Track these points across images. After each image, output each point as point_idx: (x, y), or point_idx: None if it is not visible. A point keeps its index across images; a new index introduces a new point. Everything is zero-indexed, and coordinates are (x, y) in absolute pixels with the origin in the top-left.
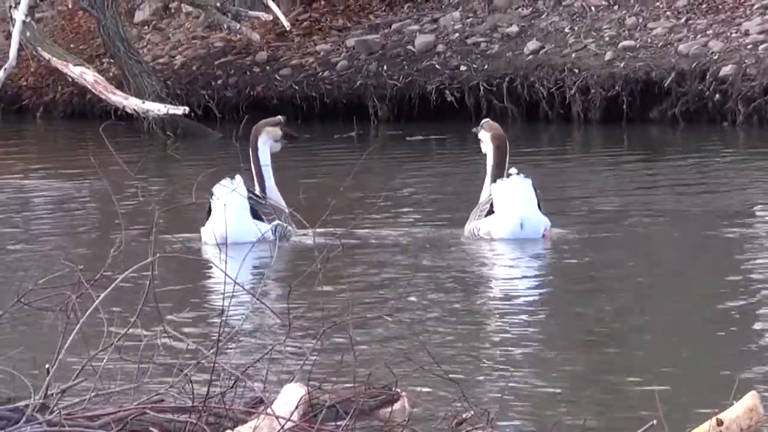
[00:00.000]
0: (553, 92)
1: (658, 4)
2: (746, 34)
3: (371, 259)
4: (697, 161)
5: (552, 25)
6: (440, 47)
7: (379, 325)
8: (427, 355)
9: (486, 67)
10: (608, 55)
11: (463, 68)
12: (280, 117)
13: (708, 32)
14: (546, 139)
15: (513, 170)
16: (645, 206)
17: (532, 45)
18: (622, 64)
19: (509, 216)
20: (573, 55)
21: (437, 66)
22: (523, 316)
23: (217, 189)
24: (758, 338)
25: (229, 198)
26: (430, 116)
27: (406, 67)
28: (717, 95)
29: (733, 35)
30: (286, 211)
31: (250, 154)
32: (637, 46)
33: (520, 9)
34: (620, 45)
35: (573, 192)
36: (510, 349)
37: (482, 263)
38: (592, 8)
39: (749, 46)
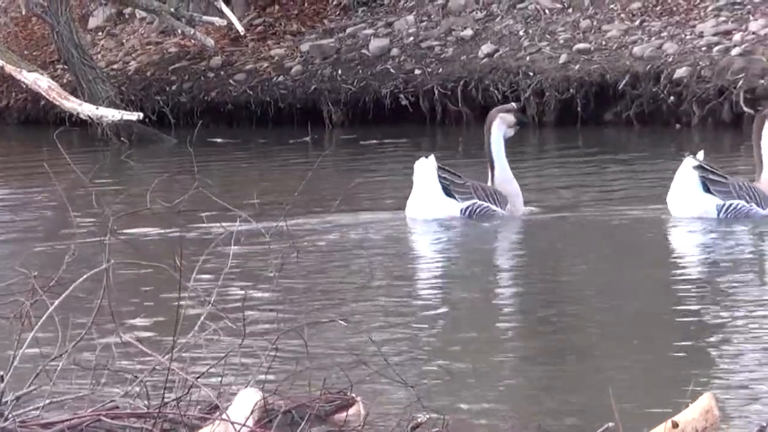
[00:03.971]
0: (508, 95)
1: (612, 6)
2: (700, 36)
3: (326, 263)
4: (651, 163)
5: (506, 29)
6: (395, 51)
7: (335, 329)
8: (382, 359)
9: (440, 70)
10: (563, 58)
11: (417, 72)
12: (513, 104)
13: (662, 34)
14: None
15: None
16: (598, 208)
17: (486, 48)
18: (576, 67)
19: None
20: (527, 58)
21: (392, 70)
22: (479, 320)
23: (415, 166)
24: (714, 340)
25: (419, 176)
26: (385, 120)
27: (360, 71)
28: (671, 97)
29: (688, 37)
30: (517, 197)
31: (484, 140)
32: (592, 48)
33: (474, 12)
34: (575, 48)
35: (529, 196)
36: (466, 352)
37: (438, 265)
38: (547, 11)
39: (703, 48)
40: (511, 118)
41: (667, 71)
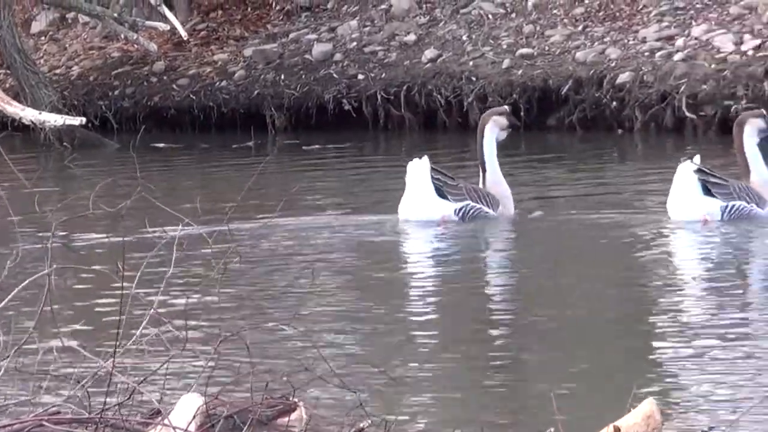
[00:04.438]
0: (451, 100)
1: (555, 11)
2: (643, 41)
3: (268, 267)
4: (594, 168)
5: (449, 34)
6: (338, 56)
7: (278, 334)
8: (326, 364)
9: (384, 75)
10: (506, 63)
11: (360, 77)
12: (506, 107)
13: (605, 39)
14: (443, 148)
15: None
16: (542, 212)
17: (429, 53)
18: (519, 72)
19: None
20: (470, 63)
21: (335, 75)
22: (423, 323)
23: (408, 167)
24: (656, 345)
25: (412, 178)
26: (328, 125)
27: (303, 76)
28: (614, 102)
29: (630, 42)
30: (508, 200)
31: (477, 142)
32: (535, 53)
33: (417, 17)
34: (518, 53)
35: None
36: (411, 357)
37: (382, 268)
38: (490, 16)
39: (646, 53)
40: (503, 120)
41: (610, 76)
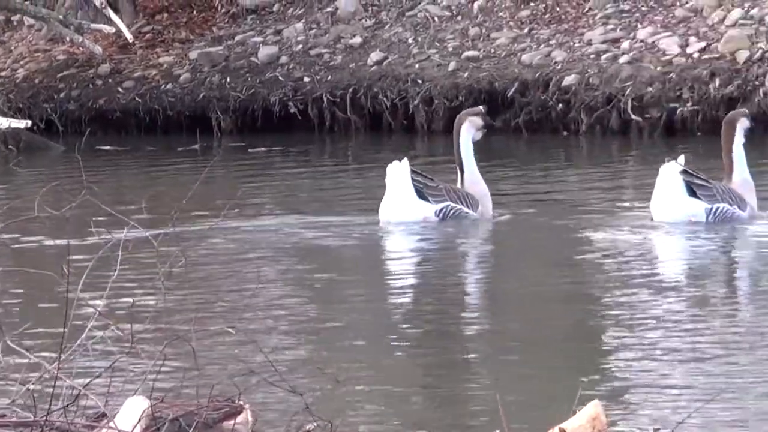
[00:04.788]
0: (397, 103)
1: (501, 14)
2: (589, 43)
3: (215, 270)
4: (540, 170)
5: (395, 36)
6: (284, 59)
7: (224, 337)
8: (272, 367)
9: (329, 78)
10: (452, 66)
11: (306, 80)
12: (480, 107)
13: (551, 42)
14: (390, 150)
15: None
16: (509, 215)
17: (375, 56)
18: (465, 75)
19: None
20: (416, 65)
21: (281, 78)
22: (373, 328)
23: (388, 169)
24: (601, 348)
25: (392, 180)
26: (274, 128)
27: (249, 79)
28: (560, 105)
29: (576, 45)
30: (486, 198)
31: (453, 142)
32: (481, 56)
33: (363, 20)
34: (463, 55)
35: None
36: (357, 360)
37: (328, 271)
38: (436, 19)
39: (592, 56)
40: (479, 121)
41: (556, 79)
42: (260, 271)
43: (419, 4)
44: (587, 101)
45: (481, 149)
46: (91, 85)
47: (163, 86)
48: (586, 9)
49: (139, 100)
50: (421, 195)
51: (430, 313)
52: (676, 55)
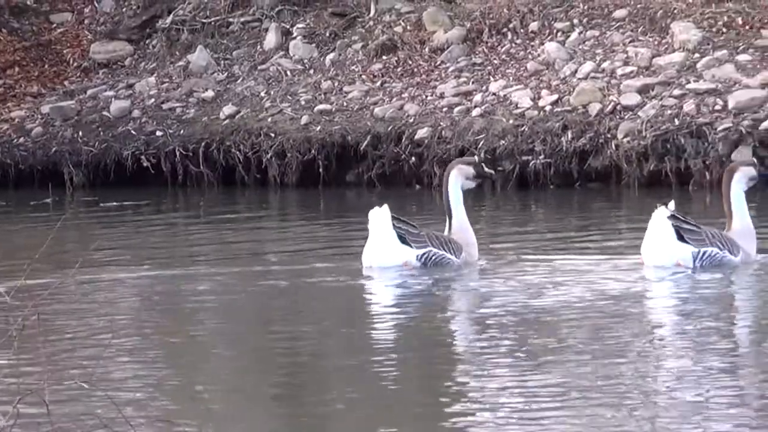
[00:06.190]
0: (250, 156)
1: (353, 67)
2: (441, 96)
3: (69, 322)
4: None
5: (248, 90)
6: (136, 113)
7: (78, 391)
8: (125, 422)
9: (182, 132)
10: (304, 119)
11: (159, 133)
12: (475, 157)
13: (404, 95)
14: (243, 204)
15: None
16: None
17: (228, 109)
18: (318, 128)
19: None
20: (269, 119)
21: (133, 131)
22: (227, 379)
23: (370, 215)
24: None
25: (373, 225)
26: (127, 182)
27: (101, 133)
28: (413, 158)
29: (429, 98)
30: (472, 247)
31: (442, 189)
32: (333, 109)
33: (215, 74)
34: (316, 109)
35: (270, 257)
36: (217, 415)
37: (181, 323)
38: (288, 72)
39: (444, 109)
40: (469, 170)
41: (409, 132)
42: (113, 323)
43: (271, 57)
44: (440, 154)
45: (332, 202)
46: None
47: (15, 140)
48: (438, 62)
49: None
50: (404, 240)
51: (270, 346)
52: (528, 108)
